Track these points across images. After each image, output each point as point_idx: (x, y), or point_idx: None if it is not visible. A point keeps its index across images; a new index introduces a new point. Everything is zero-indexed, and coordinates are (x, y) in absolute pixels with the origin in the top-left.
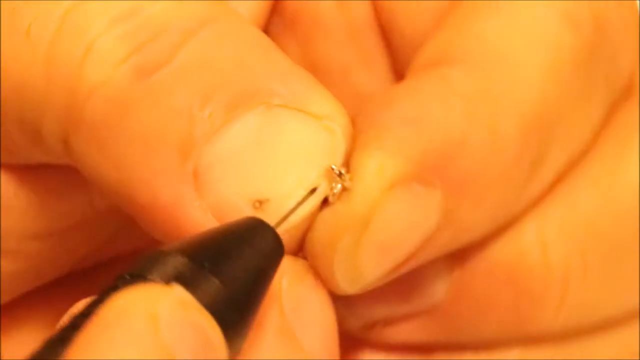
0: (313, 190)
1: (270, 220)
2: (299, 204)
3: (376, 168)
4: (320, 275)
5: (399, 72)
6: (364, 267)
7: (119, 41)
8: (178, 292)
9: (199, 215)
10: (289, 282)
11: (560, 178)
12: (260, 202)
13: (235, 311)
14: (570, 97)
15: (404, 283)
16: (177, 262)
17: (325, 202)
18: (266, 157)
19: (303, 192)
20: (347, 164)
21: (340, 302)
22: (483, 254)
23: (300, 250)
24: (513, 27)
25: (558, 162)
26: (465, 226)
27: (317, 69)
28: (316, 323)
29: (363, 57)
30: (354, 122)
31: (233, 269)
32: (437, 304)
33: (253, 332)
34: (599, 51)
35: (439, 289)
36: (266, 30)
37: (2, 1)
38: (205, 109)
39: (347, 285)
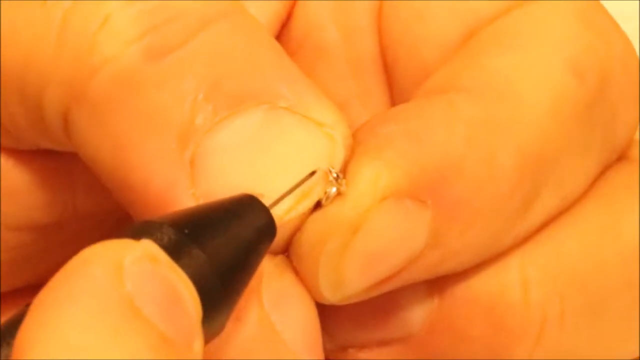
0: (312, 173)
1: None
2: (297, 185)
3: (372, 177)
4: (303, 279)
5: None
6: (348, 274)
7: (135, 19)
8: (147, 246)
9: (191, 204)
10: (268, 277)
11: (548, 222)
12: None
13: (217, 282)
14: (568, 144)
15: (382, 308)
16: (157, 228)
17: (317, 205)
18: (265, 154)
19: (299, 190)
20: (343, 170)
21: None
22: (464, 284)
23: (285, 252)
24: (520, 67)
25: (549, 205)
26: (451, 251)
27: None
28: (297, 318)
29: (362, 90)
30: (354, 134)
31: (219, 240)
32: (414, 333)
33: (232, 325)
34: (600, 105)
35: (417, 317)
36: None
37: None
38: (210, 98)
39: (329, 292)
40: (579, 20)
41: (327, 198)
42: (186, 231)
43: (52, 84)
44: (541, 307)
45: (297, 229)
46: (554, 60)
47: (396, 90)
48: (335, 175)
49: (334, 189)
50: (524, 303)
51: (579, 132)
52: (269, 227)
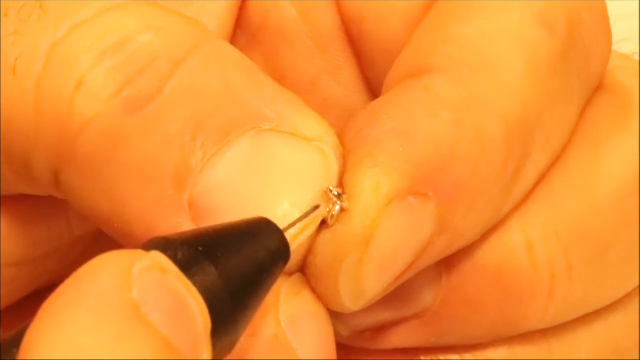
0: (317, 207)
1: None
2: (307, 214)
3: (372, 187)
4: (322, 295)
5: (368, 78)
6: (367, 283)
7: (108, 75)
8: (156, 257)
9: None
10: (285, 294)
11: (541, 179)
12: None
13: (228, 299)
14: (549, 99)
15: (394, 290)
16: (172, 244)
17: (322, 224)
18: (260, 182)
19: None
20: (341, 184)
21: (329, 310)
22: (471, 256)
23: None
24: (490, 32)
25: (540, 163)
26: (458, 232)
27: (284, 80)
28: (313, 335)
29: (331, 65)
30: (341, 139)
31: (233, 259)
32: (427, 309)
33: (248, 340)
34: (573, 51)
35: (428, 294)
36: (231, 43)
37: None
38: (197, 138)
39: (352, 303)
40: None
41: (332, 217)
42: (200, 249)
43: (38, 149)
44: (548, 264)
45: (307, 251)
46: (522, 17)
47: (364, 61)
48: (336, 193)
49: (337, 207)
50: (531, 264)
51: (558, 83)
52: (283, 250)
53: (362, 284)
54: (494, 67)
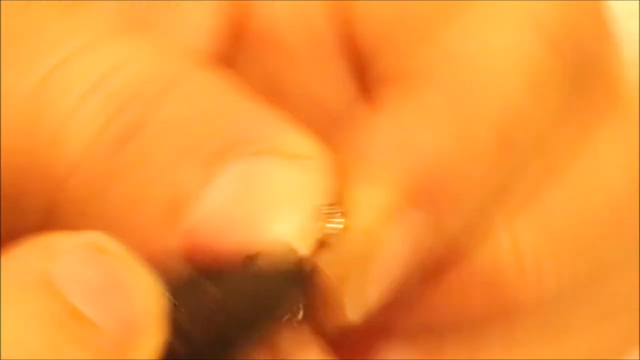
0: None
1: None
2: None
3: (373, 204)
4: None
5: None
6: (372, 297)
7: (91, 114)
8: (95, 236)
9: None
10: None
11: (534, 189)
12: (251, 258)
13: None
14: (549, 116)
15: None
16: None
17: (321, 244)
18: (254, 205)
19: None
20: (338, 201)
21: None
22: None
23: None
24: (492, 45)
25: (535, 175)
26: (453, 241)
27: (280, 92)
28: None
29: (328, 75)
30: (338, 156)
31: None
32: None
33: None
34: (580, 73)
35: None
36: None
37: None
38: (187, 167)
39: (354, 316)
40: None
41: (331, 236)
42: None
43: (30, 186)
44: (536, 271)
45: None
46: (527, 35)
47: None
48: (336, 212)
49: (334, 226)
50: (519, 271)
51: (561, 107)
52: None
53: (366, 298)
54: (492, 79)
